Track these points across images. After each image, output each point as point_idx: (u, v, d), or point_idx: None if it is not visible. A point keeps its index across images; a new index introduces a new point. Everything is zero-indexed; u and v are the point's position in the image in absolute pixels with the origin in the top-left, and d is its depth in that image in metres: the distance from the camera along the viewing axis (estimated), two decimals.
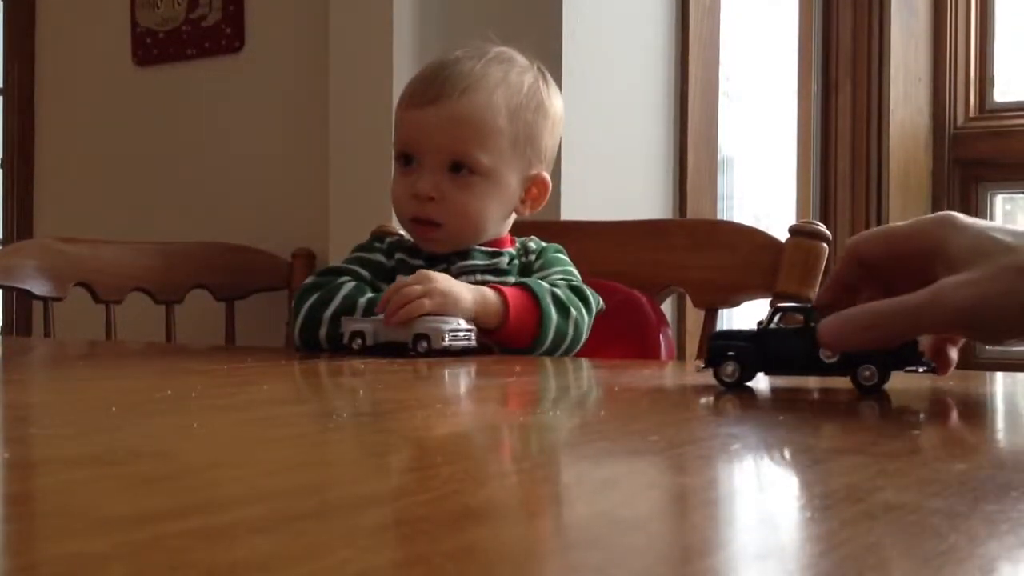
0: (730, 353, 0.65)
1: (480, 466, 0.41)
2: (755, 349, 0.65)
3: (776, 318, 0.66)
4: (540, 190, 1.18)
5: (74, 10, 2.32)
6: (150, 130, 2.20)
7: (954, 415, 0.59)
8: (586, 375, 0.85)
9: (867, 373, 0.62)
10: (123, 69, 2.23)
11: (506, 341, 1.03)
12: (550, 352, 1.05)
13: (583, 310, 1.08)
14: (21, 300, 2.28)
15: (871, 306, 0.61)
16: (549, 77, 1.19)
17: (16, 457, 0.42)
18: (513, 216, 1.18)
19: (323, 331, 1.05)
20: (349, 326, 0.98)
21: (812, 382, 0.68)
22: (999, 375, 0.79)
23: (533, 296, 1.04)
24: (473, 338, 0.95)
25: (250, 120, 2.07)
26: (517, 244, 1.19)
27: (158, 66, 2.18)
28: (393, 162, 1.16)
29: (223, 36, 2.09)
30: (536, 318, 1.03)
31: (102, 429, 0.49)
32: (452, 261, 1.13)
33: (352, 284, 1.09)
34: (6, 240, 2.42)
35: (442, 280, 1.00)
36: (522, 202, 1.17)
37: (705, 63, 2.03)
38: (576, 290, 1.09)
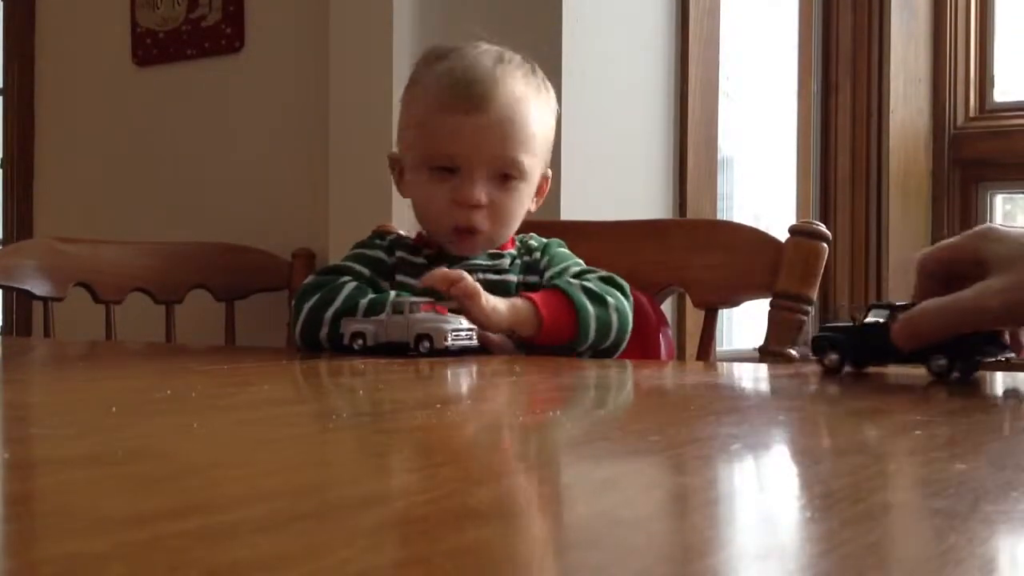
0: (832, 344, 0.76)
1: (480, 466, 0.41)
2: (853, 341, 0.75)
3: (869, 314, 0.76)
4: (545, 185, 1.20)
5: (74, 10, 2.32)
6: (150, 130, 2.20)
7: (955, 416, 0.59)
8: (586, 375, 0.85)
9: (941, 362, 0.72)
10: (123, 69, 2.23)
11: (548, 343, 1.03)
12: (601, 343, 1.05)
13: (619, 296, 1.08)
14: (21, 300, 2.28)
15: (924, 307, 0.71)
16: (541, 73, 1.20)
17: (16, 457, 0.42)
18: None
19: (324, 331, 1.05)
20: (350, 327, 0.98)
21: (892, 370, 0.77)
22: (998, 375, 0.79)
23: (564, 294, 1.05)
24: (475, 338, 0.95)
25: (250, 120, 2.07)
26: (517, 243, 1.19)
27: (158, 66, 2.18)
28: (415, 168, 1.14)
29: (223, 36, 2.09)
30: (572, 315, 1.03)
31: (102, 429, 0.49)
32: (453, 261, 1.13)
33: (353, 285, 1.09)
34: (6, 240, 2.42)
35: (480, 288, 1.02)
36: (533, 200, 1.18)
37: (705, 63, 2.03)
38: (606, 279, 1.10)
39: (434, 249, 1.16)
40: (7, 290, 2.01)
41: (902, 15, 2.29)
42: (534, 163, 1.14)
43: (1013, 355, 0.73)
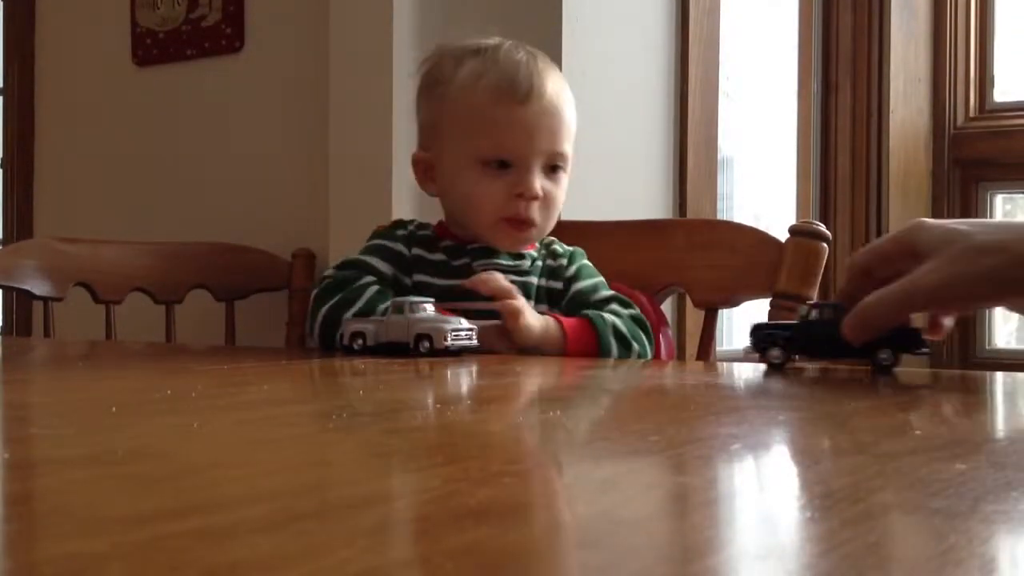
0: (776, 340, 0.80)
1: (480, 466, 0.41)
2: (797, 337, 0.80)
3: (813, 312, 0.81)
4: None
5: (74, 10, 2.32)
6: (150, 130, 2.20)
7: (954, 415, 0.59)
8: (586, 375, 0.85)
9: (883, 355, 0.77)
10: (123, 69, 2.23)
11: None
12: None
13: (644, 342, 1.11)
14: (21, 300, 2.28)
15: (867, 300, 0.75)
16: None
17: (16, 457, 0.42)
18: None
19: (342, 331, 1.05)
20: (350, 327, 0.98)
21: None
22: (999, 375, 0.79)
23: (595, 330, 1.07)
24: (474, 338, 0.95)
25: (250, 120, 2.07)
26: (538, 245, 1.19)
27: (158, 66, 2.18)
28: (466, 164, 1.13)
29: (223, 36, 2.09)
30: (595, 351, 1.07)
31: (102, 429, 0.49)
32: (476, 256, 1.14)
33: (375, 289, 1.09)
34: (6, 240, 2.42)
35: (521, 299, 1.04)
36: None
37: (705, 63, 2.03)
38: (638, 321, 1.12)
39: (454, 241, 1.16)
40: (7, 290, 2.01)
41: (902, 15, 2.29)
42: (571, 152, 1.16)
43: (928, 350, 0.78)
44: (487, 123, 1.12)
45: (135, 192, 2.22)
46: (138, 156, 2.22)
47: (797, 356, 0.81)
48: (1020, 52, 2.36)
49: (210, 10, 2.10)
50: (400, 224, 1.20)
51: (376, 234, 1.19)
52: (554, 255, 1.18)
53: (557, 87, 1.14)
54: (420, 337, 0.93)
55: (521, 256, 1.15)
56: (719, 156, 2.10)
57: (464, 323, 0.95)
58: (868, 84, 2.31)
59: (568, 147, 1.15)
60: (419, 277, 1.14)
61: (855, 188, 2.32)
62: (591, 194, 1.80)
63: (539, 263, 1.17)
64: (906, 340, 0.77)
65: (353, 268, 1.12)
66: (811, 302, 0.84)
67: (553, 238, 1.21)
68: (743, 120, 2.40)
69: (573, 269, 1.17)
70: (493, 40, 1.17)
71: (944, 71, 2.32)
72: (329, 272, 1.14)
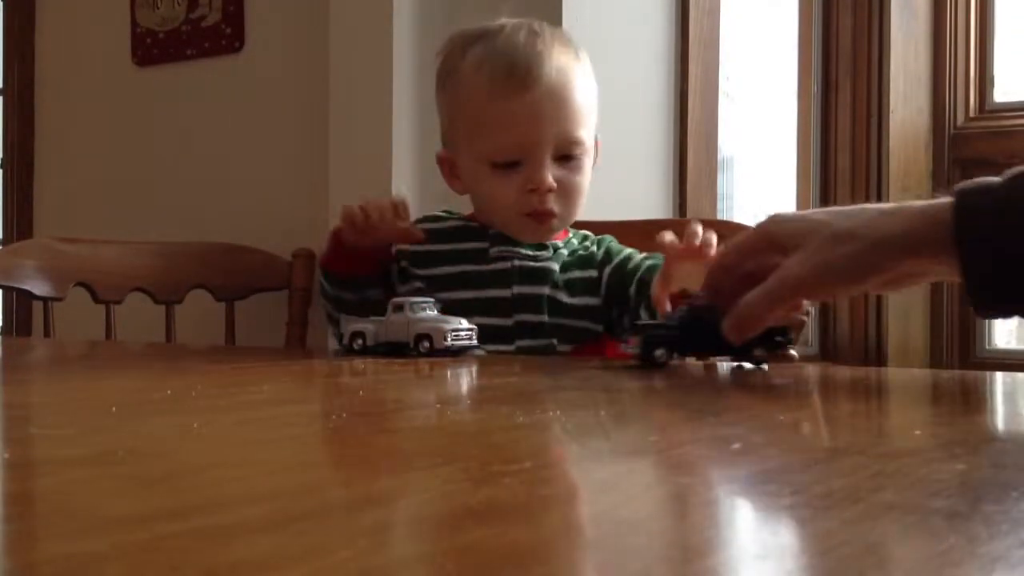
0: (661, 340, 0.82)
1: (480, 466, 0.41)
2: (682, 337, 0.82)
3: (686, 311, 0.83)
4: (598, 151, 1.17)
5: (74, 10, 2.32)
6: (150, 130, 2.20)
7: (954, 415, 0.59)
8: (586, 375, 0.85)
9: (758, 352, 0.81)
10: (123, 69, 2.23)
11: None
12: None
13: None
14: (21, 300, 2.28)
15: (744, 301, 0.76)
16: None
17: (16, 457, 0.42)
18: None
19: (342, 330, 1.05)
20: (350, 326, 0.98)
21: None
22: (999, 375, 0.79)
23: None
24: (474, 337, 0.95)
25: (250, 120, 2.07)
26: (570, 233, 1.18)
27: (158, 66, 2.18)
28: (475, 165, 1.12)
29: (223, 36, 2.09)
30: None
31: (102, 429, 0.49)
32: (495, 241, 1.12)
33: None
34: (6, 240, 2.42)
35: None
36: None
37: (705, 63, 2.02)
38: None
39: (480, 223, 1.15)
40: (7, 290, 2.01)
41: (902, 15, 2.29)
42: (590, 135, 1.12)
43: (792, 346, 0.84)
44: (490, 122, 1.09)
45: (135, 192, 2.22)
46: (138, 156, 2.22)
47: (678, 355, 0.83)
48: (1020, 52, 2.36)
49: (210, 10, 2.10)
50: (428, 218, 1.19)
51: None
52: (585, 246, 1.17)
53: (563, 66, 1.09)
54: (420, 337, 0.93)
55: (543, 246, 1.14)
56: (719, 156, 2.10)
57: (464, 323, 0.94)
58: (868, 84, 2.30)
59: (582, 131, 1.10)
60: (435, 270, 1.13)
61: (855, 188, 2.32)
62: (591, 194, 1.79)
63: (563, 251, 1.14)
64: (774, 335, 0.80)
65: None
66: (688, 301, 0.86)
67: (587, 232, 1.19)
68: (743, 120, 2.40)
69: (602, 252, 1.15)
70: (500, 22, 1.13)
71: (944, 71, 2.32)
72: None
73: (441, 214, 1.20)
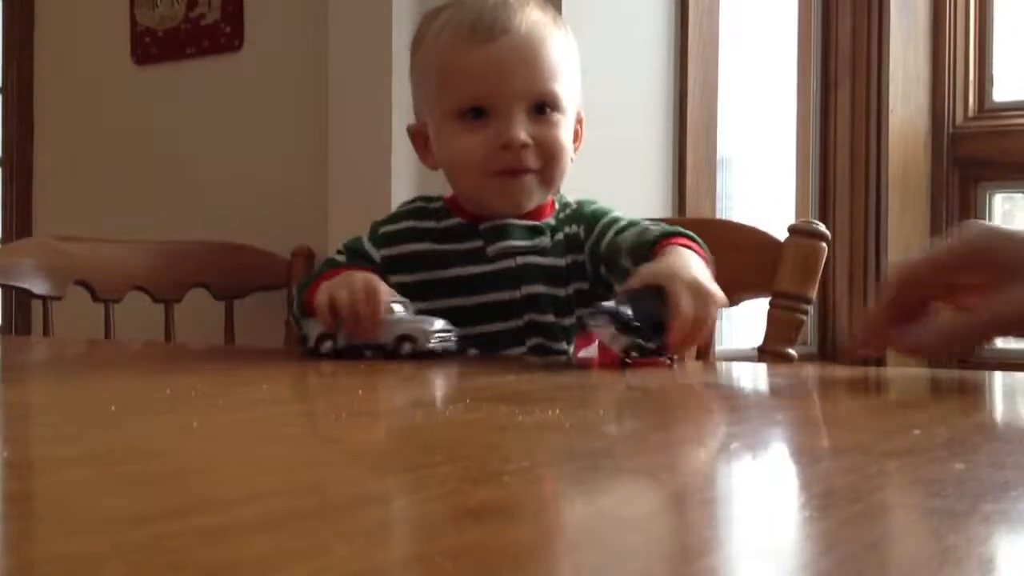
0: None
1: (479, 466, 0.41)
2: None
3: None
4: (581, 128, 1.11)
5: (73, 9, 2.32)
6: (149, 129, 2.20)
7: (954, 415, 0.59)
8: (585, 375, 0.85)
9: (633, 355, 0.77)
10: (122, 68, 2.23)
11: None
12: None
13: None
14: (20, 299, 2.28)
15: (938, 331, 0.66)
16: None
17: (15, 456, 0.42)
18: None
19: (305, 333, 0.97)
20: (315, 328, 0.92)
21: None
22: (998, 375, 0.79)
23: (691, 239, 0.95)
24: (453, 339, 0.91)
25: (249, 119, 2.07)
26: (557, 206, 1.09)
27: (157, 65, 2.18)
28: (442, 122, 1.04)
29: (222, 35, 2.09)
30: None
31: (101, 428, 0.49)
32: (489, 239, 1.04)
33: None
34: (5, 239, 2.42)
35: (700, 277, 0.83)
36: (572, 144, 1.08)
37: (704, 63, 2.02)
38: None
39: (464, 219, 1.06)
40: (6, 289, 2.01)
41: (901, 14, 2.29)
42: (568, 95, 1.05)
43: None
44: (456, 71, 1.02)
45: (134, 191, 2.22)
46: (137, 155, 2.21)
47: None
48: (1020, 52, 2.36)
49: (209, 8, 2.10)
50: (391, 219, 1.11)
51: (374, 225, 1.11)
52: (568, 220, 1.07)
53: (536, 21, 1.03)
54: (402, 339, 0.89)
55: (539, 232, 1.05)
56: (718, 156, 2.10)
57: (441, 323, 0.90)
58: (867, 83, 2.30)
59: (557, 85, 1.03)
60: (456, 271, 1.04)
61: (854, 187, 2.32)
62: (590, 193, 1.79)
63: (559, 235, 1.06)
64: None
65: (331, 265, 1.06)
66: (624, 293, 0.80)
67: (567, 200, 1.10)
68: (742, 120, 2.40)
69: (583, 228, 1.06)
70: None
71: (943, 70, 2.32)
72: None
73: (419, 204, 1.12)
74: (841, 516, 0.32)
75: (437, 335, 0.89)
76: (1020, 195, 2.38)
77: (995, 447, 0.48)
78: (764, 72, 2.51)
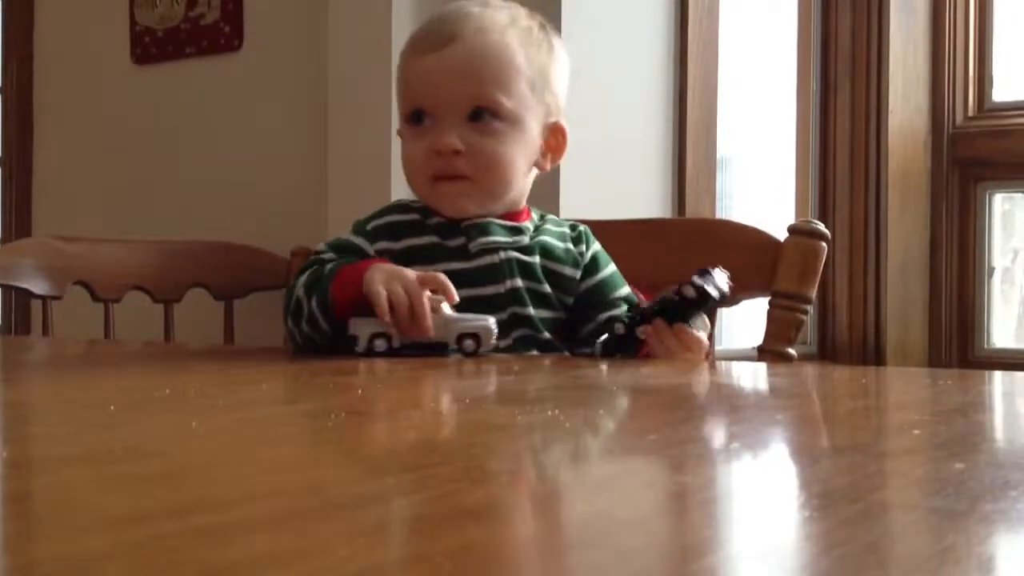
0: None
1: (479, 466, 0.40)
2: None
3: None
4: (559, 140, 1.10)
5: (73, 9, 2.32)
6: (149, 129, 2.20)
7: (953, 415, 0.59)
8: (584, 375, 0.85)
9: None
10: (122, 68, 2.23)
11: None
12: None
13: None
14: (20, 299, 2.28)
15: None
16: (551, 28, 1.12)
17: (15, 456, 0.42)
18: (534, 172, 1.09)
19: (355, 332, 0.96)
20: (365, 328, 0.91)
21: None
22: (998, 374, 0.79)
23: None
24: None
25: (249, 119, 2.07)
26: (534, 215, 1.11)
27: (157, 65, 2.18)
28: (402, 127, 1.07)
29: (222, 35, 2.09)
30: None
31: (101, 428, 0.49)
32: (472, 236, 1.05)
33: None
34: (5, 239, 2.42)
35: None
36: (543, 155, 1.09)
37: (704, 63, 2.02)
38: None
39: (444, 218, 1.06)
40: (6, 289, 2.01)
41: (901, 15, 2.29)
42: (519, 106, 1.04)
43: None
44: (404, 78, 1.05)
45: (134, 190, 2.22)
46: (137, 154, 2.21)
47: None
48: (1019, 52, 2.36)
49: (209, 8, 2.10)
50: (376, 215, 1.10)
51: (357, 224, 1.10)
52: (579, 241, 1.10)
53: (490, 28, 1.03)
54: (464, 336, 0.90)
55: (519, 231, 1.07)
56: (718, 155, 2.10)
57: (493, 320, 0.92)
58: (867, 83, 2.30)
59: (501, 94, 1.02)
60: (442, 266, 1.04)
61: (854, 187, 2.32)
62: (590, 193, 1.80)
63: (539, 239, 1.07)
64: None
65: (317, 264, 1.07)
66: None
67: (577, 225, 1.13)
68: (742, 120, 2.40)
69: (589, 255, 1.10)
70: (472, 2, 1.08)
71: (943, 70, 2.32)
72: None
73: (404, 202, 1.12)
74: (840, 516, 0.32)
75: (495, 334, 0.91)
76: (1020, 195, 2.38)
77: (994, 447, 0.48)
78: (764, 72, 2.51)
